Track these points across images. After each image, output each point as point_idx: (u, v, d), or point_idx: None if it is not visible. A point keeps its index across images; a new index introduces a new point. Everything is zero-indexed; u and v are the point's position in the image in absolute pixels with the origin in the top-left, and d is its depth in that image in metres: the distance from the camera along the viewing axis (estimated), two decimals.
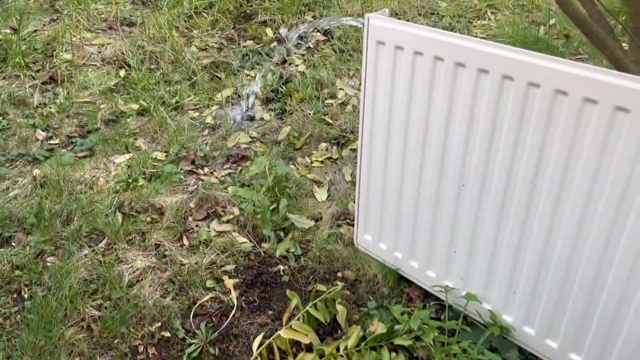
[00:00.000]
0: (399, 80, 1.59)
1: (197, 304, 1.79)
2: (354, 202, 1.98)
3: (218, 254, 1.94)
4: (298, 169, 2.32)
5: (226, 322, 1.74)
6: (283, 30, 2.89)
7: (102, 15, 3.32)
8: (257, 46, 3.09)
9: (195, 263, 1.90)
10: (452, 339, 1.58)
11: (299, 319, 1.68)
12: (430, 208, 1.67)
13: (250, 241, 2.01)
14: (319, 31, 3.25)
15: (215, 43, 3.13)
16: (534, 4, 3.49)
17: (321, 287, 1.83)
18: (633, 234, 1.25)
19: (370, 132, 1.76)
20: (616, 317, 1.34)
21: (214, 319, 1.77)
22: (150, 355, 1.66)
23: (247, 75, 2.86)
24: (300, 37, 3.19)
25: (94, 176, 2.24)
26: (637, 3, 1.44)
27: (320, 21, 3.12)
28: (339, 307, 1.78)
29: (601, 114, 1.21)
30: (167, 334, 1.71)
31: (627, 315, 1.32)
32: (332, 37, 3.21)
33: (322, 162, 2.37)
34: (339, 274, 1.90)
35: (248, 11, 3.40)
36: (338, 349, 1.63)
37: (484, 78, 1.39)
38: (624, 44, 1.68)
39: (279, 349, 1.63)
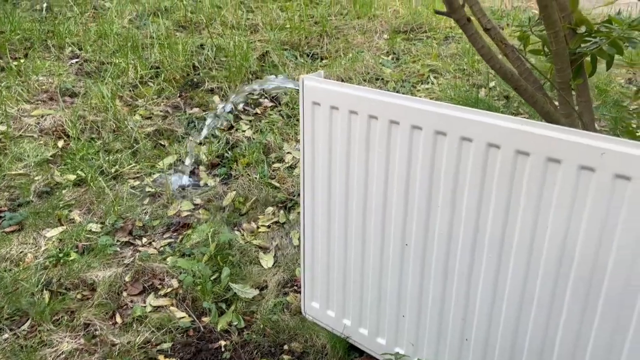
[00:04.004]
0: (337, 140, 1.56)
1: None
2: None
3: (153, 331, 1.79)
4: (243, 235, 2.23)
5: None
6: (222, 105, 2.90)
7: (44, 87, 3.24)
8: (204, 113, 3.07)
9: (128, 342, 1.74)
10: None
11: None
12: (376, 270, 1.60)
13: (190, 315, 1.87)
14: (266, 97, 3.26)
15: (161, 111, 3.08)
16: (474, 68, 3.63)
17: None
18: (576, 290, 1.20)
19: (311, 194, 1.71)
20: None
21: None
22: None
23: (193, 142, 2.80)
24: (247, 104, 3.19)
25: (21, 252, 2.08)
26: (562, 59, 1.48)
27: (254, 86, 3.14)
28: None
29: (534, 166, 1.19)
30: None
31: None
32: (280, 103, 3.23)
33: (268, 226, 2.29)
34: (286, 347, 1.78)
35: (195, 79, 3.40)
36: None
37: (417, 134, 1.38)
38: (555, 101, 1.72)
39: None
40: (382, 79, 3.50)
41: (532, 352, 1.32)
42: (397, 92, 3.34)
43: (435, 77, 3.52)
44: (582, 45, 1.56)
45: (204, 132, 2.68)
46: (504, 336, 1.36)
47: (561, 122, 1.51)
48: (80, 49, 3.71)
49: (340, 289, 1.73)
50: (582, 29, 1.56)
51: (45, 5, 4.45)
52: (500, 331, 1.37)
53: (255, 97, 3.26)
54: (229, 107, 2.89)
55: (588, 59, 1.58)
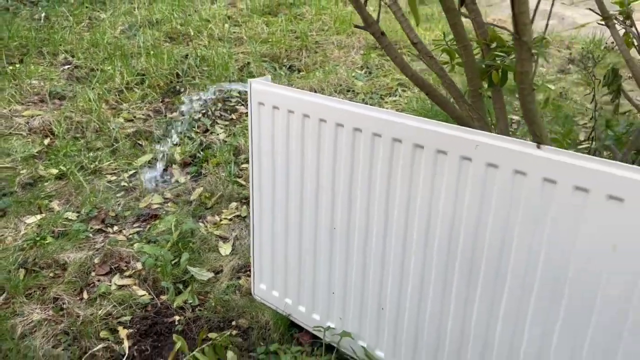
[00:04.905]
0: (278, 136, 1.78)
1: (88, 353, 1.82)
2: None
3: (115, 305, 1.99)
4: (206, 226, 2.44)
5: None
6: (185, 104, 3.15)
7: (35, 90, 3.48)
8: (182, 117, 3.29)
9: (91, 314, 1.94)
10: None
11: None
12: (311, 252, 1.81)
13: (149, 294, 2.07)
14: (242, 104, 3.49)
15: (142, 115, 3.31)
16: (439, 83, 3.85)
17: (212, 335, 1.90)
18: (461, 269, 1.41)
19: (259, 186, 1.92)
20: (484, 353, 1.47)
21: None
22: None
23: (169, 143, 3.03)
24: (225, 110, 3.42)
25: (2, 235, 2.29)
26: (471, 69, 1.70)
27: (211, 90, 3.39)
28: (229, 354, 1.84)
29: (427, 158, 1.41)
30: None
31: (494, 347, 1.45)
32: None
33: (230, 219, 2.50)
34: (234, 323, 1.98)
35: (177, 87, 3.63)
36: None
37: (340, 131, 1.59)
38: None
39: None
40: (353, 90, 3.73)
41: (433, 316, 1.52)
42: (366, 103, 3.57)
43: (403, 90, 3.75)
44: (497, 59, 1.78)
45: (173, 132, 2.91)
46: (411, 305, 1.56)
47: (471, 125, 1.73)
48: (72, 56, 3.96)
49: (283, 271, 1.93)
50: (495, 45, 1.78)
51: (43, 15, 4.72)
52: (408, 300, 1.57)
53: (232, 104, 3.49)
54: (191, 106, 3.13)
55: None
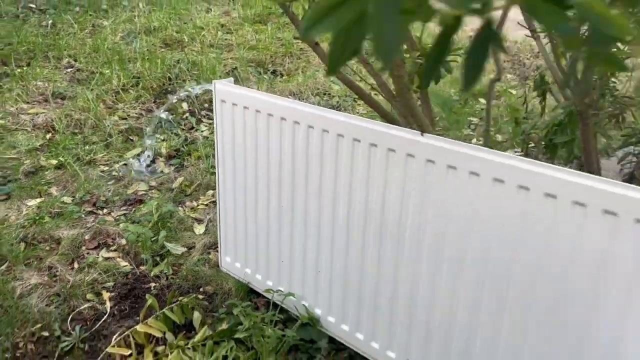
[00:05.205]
0: (237, 130, 2.11)
1: (75, 311, 2.15)
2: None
3: (101, 273, 2.33)
4: (184, 210, 2.78)
5: (98, 325, 2.11)
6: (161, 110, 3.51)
7: (40, 90, 3.85)
8: (171, 116, 3.64)
9: (80, 280, 2.28)
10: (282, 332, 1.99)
11: (155, 318, 2.07)
12: (264, 227, 2.14)
13: (131, 264, 2.41)
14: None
15: (136, 113, 3.67)
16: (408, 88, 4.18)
17: (181, 298, 2.23)
18: (377, 235, 1.73)
19: (223, 173, 2.25)
20: (410, 305, 1.79)
21: (88, 322, 2.13)
22: (28, 350, 2.00)
23: (157, 139, 3.37)
24: (210, 110, 3.76)
25: (6, 214, 2.64)
26: (395, 69, 2.03)
27: (182, 92, 3.74)
28: (195, 313, 2.17)
29: (363, 149, 1.73)
30: (46, 334, 2.06)
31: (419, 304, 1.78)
32: None
33: (206, 205, 2.84)
34: (201, 289, 2.31)
35: (169, 89, 3.99)
36: (188, 344, 2.02)
37: (284, 124, 1.93)
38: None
39: (136, 342, 2.01)
40: (329, 94, 4.07)
41: (361, 274, 1.84)
42: (339, 105, 3.90)
43: (375, 95, 4.07)
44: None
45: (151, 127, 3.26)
46: (341, 267, 1.89)
47: (398, 123, 2.05)
48: (75, 60, 4.33)
49: (243, 244, 2.26)
50: (418, 54, 2.11)
51: (50, 22, 5.11)
52: (339, 264, 1.89)
53: None
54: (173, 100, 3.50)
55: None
